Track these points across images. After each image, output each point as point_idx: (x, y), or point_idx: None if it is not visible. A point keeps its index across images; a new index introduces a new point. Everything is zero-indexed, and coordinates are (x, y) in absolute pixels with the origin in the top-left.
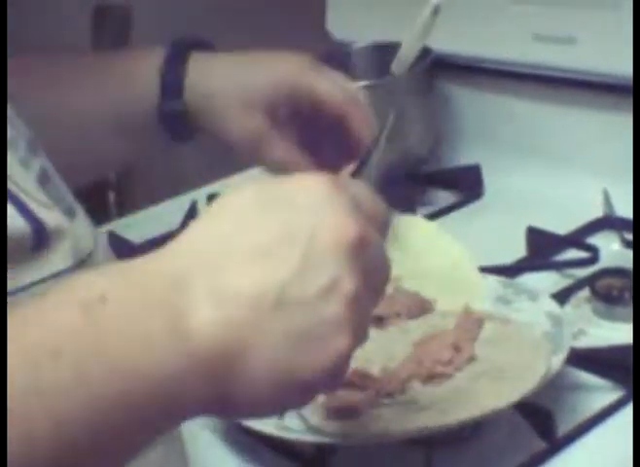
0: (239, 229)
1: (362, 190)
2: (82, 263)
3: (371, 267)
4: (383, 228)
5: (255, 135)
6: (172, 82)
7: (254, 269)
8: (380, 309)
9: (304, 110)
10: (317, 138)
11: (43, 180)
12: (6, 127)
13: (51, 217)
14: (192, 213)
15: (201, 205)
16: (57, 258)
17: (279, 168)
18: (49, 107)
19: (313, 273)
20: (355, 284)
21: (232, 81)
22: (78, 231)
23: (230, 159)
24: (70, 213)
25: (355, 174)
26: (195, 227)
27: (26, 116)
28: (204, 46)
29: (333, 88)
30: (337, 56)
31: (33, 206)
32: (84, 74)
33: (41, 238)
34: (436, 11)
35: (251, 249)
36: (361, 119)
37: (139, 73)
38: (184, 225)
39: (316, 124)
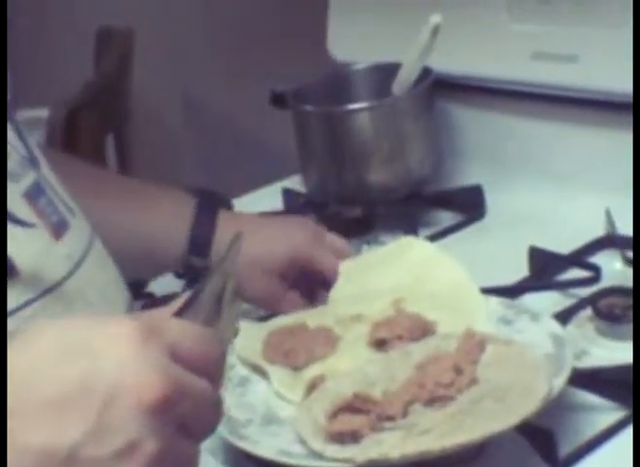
0: (37, 375)
1: (185, 332)
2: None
3: (188, 418)
4: (212, 369)
5: (271, 294)
6: (201, 241)
7: (46, 423)
8: (382, 332)
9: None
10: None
11: (32, 194)
12: (6, 129)
13: (23, 245)
14: None
15: None
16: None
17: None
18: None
19: (109, 434)
20: (159, 445)
21: (257, 248)
22: (70, 240)
23: (233, 181)
24: (60, 225)
25: (181, 313)
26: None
27: None
28: (224, 201)
29: (331, 261)
30: (339, 78)
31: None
32: (122, 203)
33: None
34: (435, 31)
35: (45, 400)
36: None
37: (171, 224)
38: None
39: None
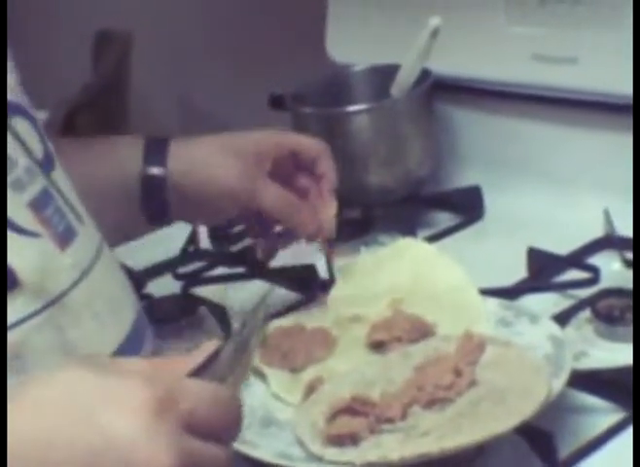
0: (47, 443)
1: (202, 395)
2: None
3: None
4: (228, 432)
5: (250, 177)
6: (157, 151)
7: None
8: (380, 334)
9: (283, 162)
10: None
11: (39, 203)
12: (6, 132)
13: (26, 255)
14: (192, 239)
15: (202, 232)
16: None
17: (274, 211)
18: None
19: None
20: None
21: (219, 140)
22: (76, 249)
23: None
24: (67, 234)
25: (199, 372)
26: (18, 416)
27: None
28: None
29: (311, 140)
30: (337, 79)
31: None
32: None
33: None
34: (435, 33)
35: None
36: (329, 162)
37: (123, 150)
38: (184, 251)
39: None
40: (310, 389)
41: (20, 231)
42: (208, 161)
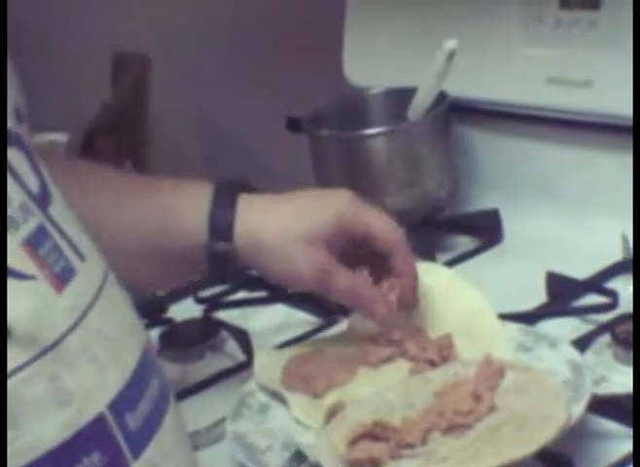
0: None
1: None
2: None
3: None
4: None
5: (320, 269)
6: (222, 224)
7: None
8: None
9: (356, 243)
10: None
11: (34, 242)
12: (6, 138)
13: (19, 302)
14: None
15: None
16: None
17: (345, 298)
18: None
19: None
20: None
21: (293, 220)
22: (75, 289)
23: None
24: (65, 274)
25: None
26: None
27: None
28: (249, 188)
29: (387, 225)
30: (355, 102)
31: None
32: (126, 193)
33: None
34: (451, 55)
35: None
36: (405, 261)
37: (187, 209)
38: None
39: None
40: (331, 414)
41: (13, 274)
42: (278, 246)
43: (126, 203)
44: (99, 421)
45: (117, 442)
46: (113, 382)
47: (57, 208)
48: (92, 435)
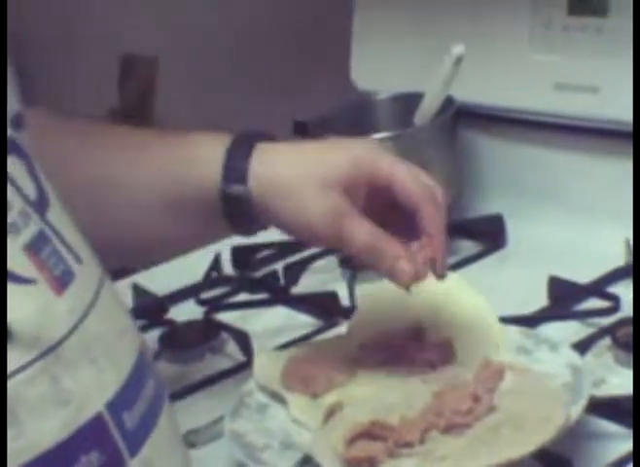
0: None
1: None
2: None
3: None
4: None
5: (336, 214)
6: (237, 166)
7: None
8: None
9: (379, 193)
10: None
11: (34, 246)
12: (6, 135)
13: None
14: (215, 265)
15: (225, 258)
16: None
17: (364, 252)
18: (97, 174)
19: None
20: None
21: (308, 160)
22: (74, 292)
23: None
24: (64, 277)
25: None
26: None
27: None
28: (269, 138)
29: (412, 179)
30: (361, 107)
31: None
32: (139, 148)
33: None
34: (458, 61)
35: None
36: (431, 218)
37: (203, 155)
38: (207, 276)
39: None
40: (330, 413)
41: (15, 278)
42: (291, 189)
43: (142, 158)
44: (97, 421)
45: (114, 441)
46: (110, 383)
47: (55, 213)
48: (91, 434)
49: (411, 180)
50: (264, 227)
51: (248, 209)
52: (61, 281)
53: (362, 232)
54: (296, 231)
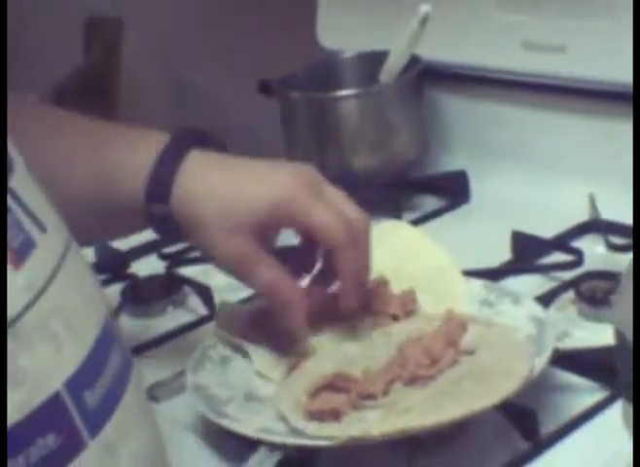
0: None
1: None
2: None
3: None
4: None
5: (240, 259)
6: (161, 186)
7: None
8: (378, 307)
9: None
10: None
11: None
12: (6, 133)
13: None
14: None
15: None
16: None
17: (265, 293)
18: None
19: None
20: None
21: (227, 196)
22: (33, 265)
23: None
24: (24, 248)
25: None
26: None
27: None
28: (208, 140)
29: (327, 220)
30: (327, 65)
31: None
32: (81, 143)
33: None
34: (424, 20)
35: None
36: (346, 262)
37: (132, 163)
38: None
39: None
40: (293, 366)
41: None
42: (205, 226)
43: (79, 154)
44: (54, 401)
45: (73, 421)
46: (71, 359)
47: (19, 177)
48: (47, 415)
49: (331, 221)
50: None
51: (171, 224)
52: (20, 253)
53: (263, 277)
54: (208, 256)
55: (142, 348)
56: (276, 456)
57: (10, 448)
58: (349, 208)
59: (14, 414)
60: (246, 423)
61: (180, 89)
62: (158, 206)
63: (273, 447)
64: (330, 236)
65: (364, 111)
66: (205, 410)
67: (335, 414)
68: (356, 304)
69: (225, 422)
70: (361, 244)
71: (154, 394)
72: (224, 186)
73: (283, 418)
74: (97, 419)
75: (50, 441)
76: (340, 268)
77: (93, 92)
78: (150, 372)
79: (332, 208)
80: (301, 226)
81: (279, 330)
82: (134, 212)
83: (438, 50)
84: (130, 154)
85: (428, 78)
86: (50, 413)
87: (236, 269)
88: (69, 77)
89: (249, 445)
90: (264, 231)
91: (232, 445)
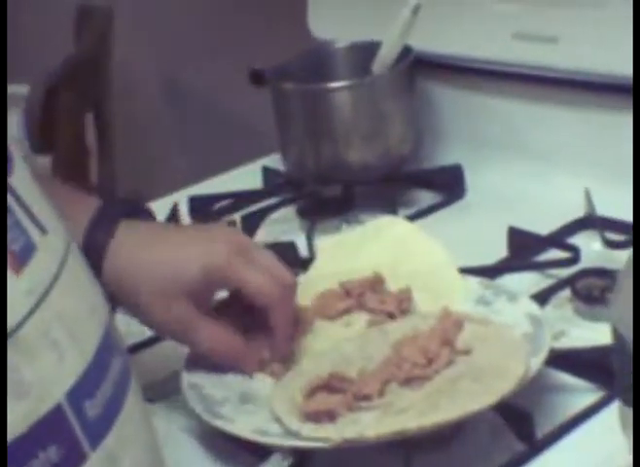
0: None
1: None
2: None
3: None
4: None
5: (178, 324)
6: (92, 260)
7: None
8: (374, 305)
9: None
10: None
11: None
12: (6, 133)
13: None
14: (173, 215)
15: (182, 208)
16: None
17: (209, 355)
18: None
19: None
20: None
21: (159, 268)
22: (34, 268)
23: (213, 160)
24: (25, 252)
25: None
26: None
27: None
28: (137, 210)
29: (261, 283)
30: (319, 56)
31: None
32: None
33: None
34: (416, 10)
35: None
36: (280, 315)
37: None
38: None
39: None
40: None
41: None
42: (140, 298)
43: None
44: (56, 412)
45: (74, 433)
46: (72, 368)
47: (19, 178)
48: (49, 428)
49: (265, 284)
50: None
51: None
52: (21, 257)
53: (204, 338)
54: (146, 326)
55: (137, 348)
56: (287, 462)
57: (13, 461)
58: (277, 267)
59: (18, 427)
60: (241, 424)
61: (171, 78)
62: None
63: (285, 453)
64: (264, 298)
65: (357, 102)
66: (200, 410)
67: (330, 416)
68: (288, 351)
69: (220, 423)
70: (290, 299)
71: (148, 394)
72: (157, 256)
73: (278, 420)
74: (98, 430)
75: (51, 454)
76: (275, 322)
77: (85, 82)
78: (144, 371)
79: (262, 270)
80: (234, 286)
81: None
82: None
83: (429, 40)
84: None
85: (420, 69)
86: (51, 425)
87: (177, 335)
88: (60, 68)
89: (244, 445)
90: (199, 295)
91: (228, 446)
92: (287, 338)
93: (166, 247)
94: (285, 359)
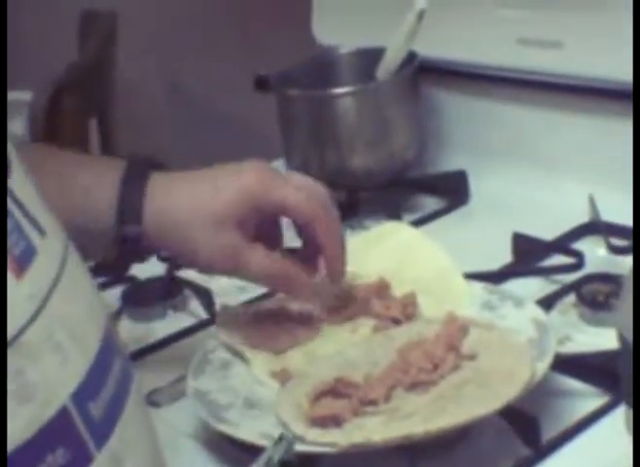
0: None
1: None
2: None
3: None
4: None
5: (229, 251)
6: (131, 206)
7: None
8: (379, 311)
9: (272, 217)
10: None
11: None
12: (6, 133)
13: None
14: None
15: None
16: None
17: (261, 280)
18: None
19: None
20: None
21: (200, 199)
22: (35, 272)
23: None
24: (26, 256)
25: None
26: None
27: None
28: (159, 166)
29: (300, 198)
30: (323, 62)
31: None
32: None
33: None
34: (421, 16)
35: None
36: (325, 231)
37: (99, 189)
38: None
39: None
40: (286, 378)
41: None
42: (185, 229)
43: (49, 186)
44: (62, 414)
45: (80, 434)
46: (75, 370)
47: (17, 180)
48: (56, 430)
49: (302, 201)
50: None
51: (143, 245)
52: (22, 261)
53: (256, 262)
54: (194, 265)
55: (142, 353)
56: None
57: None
58: (313, 185)
59: (24, 431)
60: (246, 429)
61: (175, 84)
62: (130, 227)
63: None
64: (306, 213)
65: (361, 108)
66: (205, 415)
67: (336, 421)
68: (343, 266)
69: (225, 428)
70: (333, 214)
71: (154, 399)
72: (193, 189)
73: (284, 425)
74: (103, 430)
75: (59, 457)
76: (323, 237)
77: (89, 88)
78: (150, 377)
79: (298, 188)
80: (276, 209)
81: (279, 333)
82: (102, 238)
83: (433, 46)
84: (97, 183)
85: (424, 75)
86: (58, 428)
87: (226, 264)
88: (64, 73)
89: (249, 450)
90: (243, 222)
91: (233, 451)
92: (338, 253)
93: (200, 181)
94: (339, 280)
